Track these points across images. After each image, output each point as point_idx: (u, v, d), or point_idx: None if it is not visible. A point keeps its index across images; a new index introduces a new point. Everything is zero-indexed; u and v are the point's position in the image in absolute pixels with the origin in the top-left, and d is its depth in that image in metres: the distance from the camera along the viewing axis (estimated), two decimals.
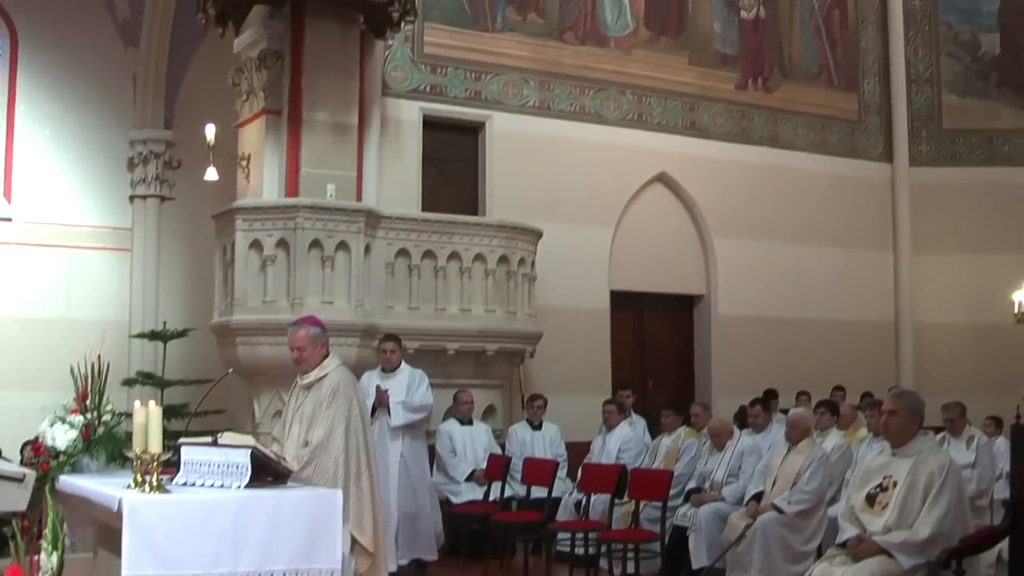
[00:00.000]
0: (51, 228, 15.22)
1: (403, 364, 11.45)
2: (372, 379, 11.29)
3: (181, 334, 13.85)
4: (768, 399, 12.88)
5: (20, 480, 5.91)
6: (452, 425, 12.88)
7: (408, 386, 11.15)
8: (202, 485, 6.07)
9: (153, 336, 13.98)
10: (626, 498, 10.84)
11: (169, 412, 11.11)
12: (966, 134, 18.96)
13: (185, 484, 6.12)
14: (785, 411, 11.66)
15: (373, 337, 12.56)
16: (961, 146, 18.96)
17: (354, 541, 6.98)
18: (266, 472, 6.10)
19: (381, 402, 10.98)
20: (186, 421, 11.12)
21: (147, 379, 13.59)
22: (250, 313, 12.23)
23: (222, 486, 6.00)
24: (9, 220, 15.10)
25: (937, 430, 11.02)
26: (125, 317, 15.32)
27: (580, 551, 10.78)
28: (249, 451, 5.93)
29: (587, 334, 15.79)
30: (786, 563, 10.00)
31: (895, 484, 7.00)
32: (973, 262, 18.47)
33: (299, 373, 7.33)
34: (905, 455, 7.07)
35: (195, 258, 15.25)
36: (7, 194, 15.21)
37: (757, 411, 11.97)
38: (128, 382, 13.59)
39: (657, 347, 16.98)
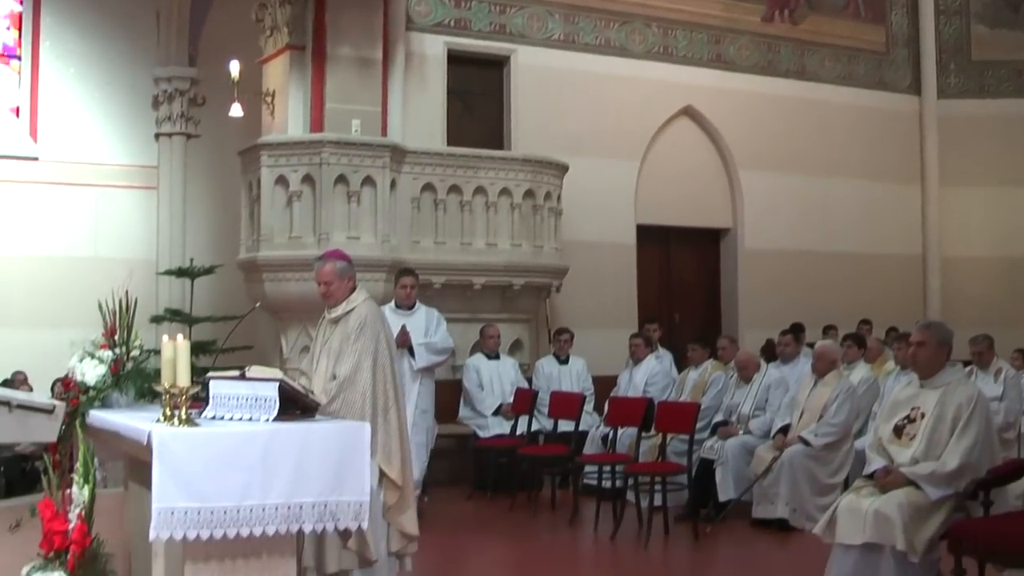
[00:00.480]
0: (77, 167, 15.22)
1: (417, 303, 11.12)
2: (388, 316, 10.81)
3: (208, 271, 13.87)
4: (797, 331, 12.83)
5: (50, 412, 5.94)
6: (479, 360, 12.91)
7: (426, 326, 11.01)
8: (231, 419, 6.07)
9: (180, 273, 14.01)
10: (653, 431, 10.85)
11: (197, 348, 11.16)
12: (995, 66, 18.70)
13: (214, 418, 6.12)
14: (812, 345, 11.63)
15: None
16: (990, 78, 18.71)
17: (382, 474, 6.99)
18: (294, 405, 6.09)
19: (403, 342, 10.52)
20: (213, 357, 11.17)
21: (175, 316, 13.62)
22: (276, 249, 12.25)
23: (251, 419, 6.00)
24: (36, 160, 15.10)
25: (965, 363, 10.97)
26: (152, 255, 15.35)
27: (607, 484, 10.81)
28: (277, 384, 5.92)
29: (613, 268, 15.76)
30: (813, 495, 10.02)
31: (923, 415, 6.97)
32: (1001, 195, 18.30)
33: (327, 307, 7.32)
34: (933, 386, 7.04)
35: (221, 195, 15.24)
36: (33, 134, 15.21)
37: (788, 339, 11.93)
38: (156, 319, 13.63)
39: (683, 281, 16.95)
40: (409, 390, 10.51)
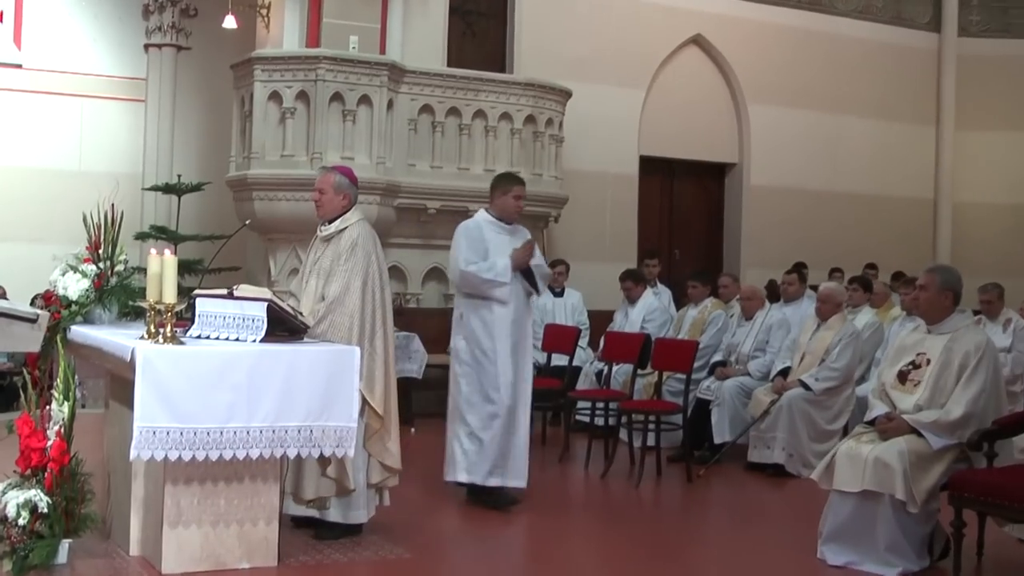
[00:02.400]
0: (63, 77, 15.09)
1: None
2: (484, 229, 8.59)
3: (196, 188, 13.80)
4: (801, 271, 12.81)
5: (34, 321, 5.92)
6: None
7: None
8: (217, 338, 6.08)
9: (167, 189, 13.94)
10: (649, 369, 10.86)
11: (183, 268, 11.14)
12: (1018, 4, 18.55)
13: (200, 337, 6.13)
14: (816, 287, 11.62)
15: (394, 195, 12.55)
16: (1013, 17, 18.57)
17: (364, 402, 6.99)
18: (282, 327, 6.10)
19: (524, 262, 8.45)
20: (200, 277, 11.14)
21: (160, 233, 13.58)
22: (268, 167, 12.21)
23: (237, 340, 6.01)
24: (19, 67, 14.98)
25: (975, 313, 10.98)
26: (138, 170, 15.26)
27: (600, 422, 10.84)
28: (265, 304, 5.93)
29: (614, 200, 15.73)
30: (811, 441, 10.05)
31: (928, 362, 6.96)
32: (1019, 140, 18.24)
33: (319, 224, 7.30)
34: (940, 332, 7.02)
35: (212, 110, 15.14)
36: (17, 40, 15.06)
37: (792, 278, 11.91)
38: (141, 236, 13.59)
39: (685, 216, 16.93)
40: (525, 329, 8.59)
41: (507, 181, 8.74)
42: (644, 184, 16.06)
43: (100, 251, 7.07)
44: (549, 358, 11.88)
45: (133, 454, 5.55)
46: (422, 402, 12.63)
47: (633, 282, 12.48)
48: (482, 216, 8.63)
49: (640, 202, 15.99)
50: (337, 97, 12.23)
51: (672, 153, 16.46)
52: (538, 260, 8.55)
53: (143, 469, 6.16)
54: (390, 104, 12.58)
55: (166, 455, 5.59)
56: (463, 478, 8.46)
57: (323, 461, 6.62)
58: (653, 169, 16.26)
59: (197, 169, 14.91)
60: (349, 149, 12.26)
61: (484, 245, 8.44)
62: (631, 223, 15.89)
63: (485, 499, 8.43)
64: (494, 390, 8.40)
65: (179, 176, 14.14)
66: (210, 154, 14.93)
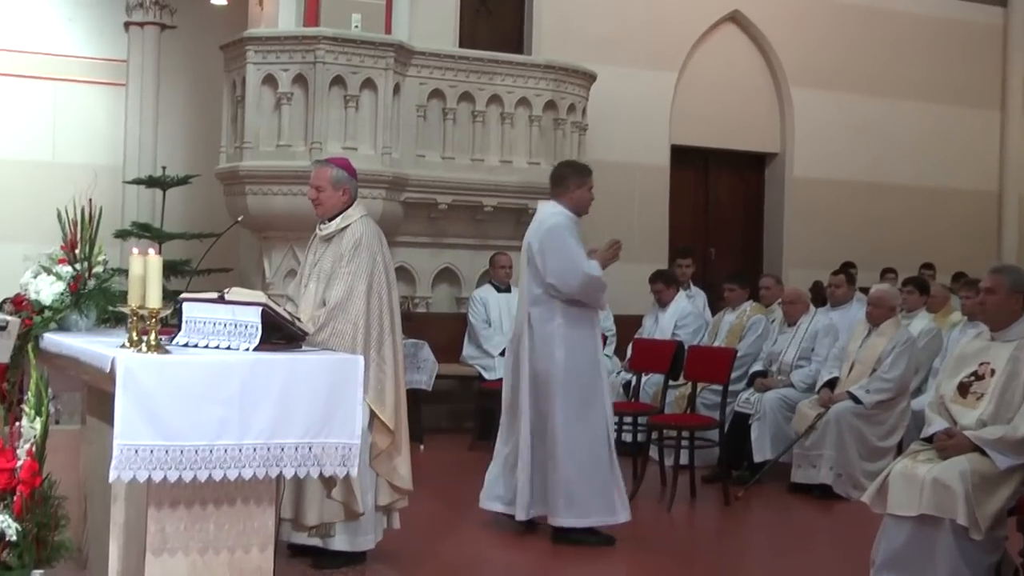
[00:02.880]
0: (34, 58, 15.13)
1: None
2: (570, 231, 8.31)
3: (182, 181, 13.83)
4: (849, 271, 12.77)
5: (3, 328, 5.92)
6: (487, 292, 12.92)
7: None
8: (206, 346, 6.06)
9: (151, 183, 13.97)
10: (682, 379, 10.85)
11: (168, 269, 11.15)
12: None
13: (187, 345, 6.11)
14: (866, 289, 11.58)
15: (401, 189, 12.56)
16: None
17: (372, 416, 6.99)
18: (278, 334, 6.07)
19: (604, 267, 8.30)
20: (187, 280, 11.16)
21: (143, 231, 13.61)
22: (262, 158, 12.24)
23: (228, 348, 5.99)
24: None
25: None
26: (119, 161, 15.29)
27: (627, 438, 10.81)
28: (260, 309, 5.91)
29: (643, 194, 15.71)
30: (861, 459, 10.02)
31: (993, 372, 6.90)
32: None
33: (318, 223, 7.30)
34: (1006, 340, 6.96)
35: (199, 95, 15.17)
36: None
37: (840, 280, 11.89)
38: (122, 234, 13.62)
39: (722, 211, 16.91)
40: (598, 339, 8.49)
41: (582, 172, 8.54)
42: (676, 176, 16.05)
43: (76, 251, 7.06)
44: None
45: (113, 475, 5.52)
46: (432, 416, 12.65)
47: (664, 284, 12.45)
48: (562, 211, 8.33)
49: (672, 196, 15.97)
50: (338, 81, 12.25)
51: (707, 142, 16.44)
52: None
53: (124, 491, 6.13)
54: (397, 89, 12.58)
55: (149, 475, 5.56)
56: (568, 521, 8.08)
57: (328, 483, 6.62)
58: (686, 160, 16.24)
59: (183, 160, 14.95)
60: (351, 138, 12.28)
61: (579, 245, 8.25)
62: (662, 219, 15.88)
63: (585, 539, 8.17)
64: (598, 413, 8.18)
65: (164, 168, 14.17)
66: (198, 144, 14.96)
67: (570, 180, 8.42)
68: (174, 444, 5.58)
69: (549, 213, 8.35)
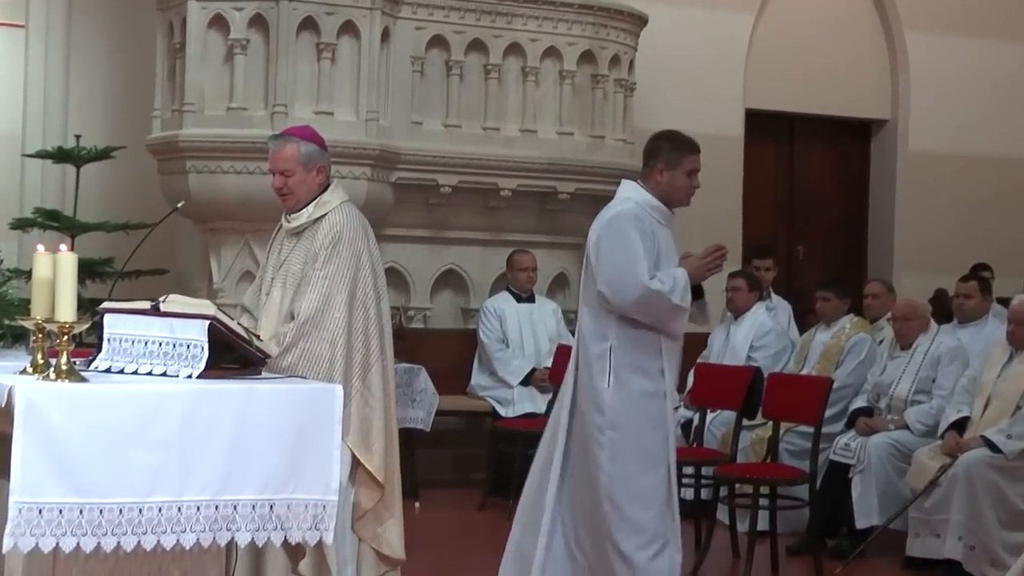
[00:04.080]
0: None
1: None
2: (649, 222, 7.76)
3: (102, 155, 13.78)
4: (982, 276, 12.68)
5: None
6: (504, 302, 12.94)
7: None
8: (135, 372, 6.05)
9: (60, 156, 13.92)
10: (759, 418, 10.81)
11: (85, 270, 11.13)
12: None
13: (109, 370, 6.10)
14: (1005, 301, 11.52)
15: (392, 166, 12.54)
16: None
17: (355, 464, 6.97)
18: (230, 356, 6.07)
19: (700, 279, 7.82)
20: (110, 285, 11.13)
21: (50, 221, 13.57)
22: (208, 125, 12.24)
23: (165, 374, 5.98)
24: None
25: None
26: (16, 128, 15.23)
27: (688, 494, 10.78)
28: (207, 324, 5.90)
29: (708, 174, 15.51)
30: (1001, 527, 9.93)
31: None
32: None
33: (284, 212, 7.28)
34: None
35: (126, 42, 15.13)
36: None
37: (970, 288, 11.80)
38: (21, 224, 13.58)
39: (813, 197, 16.90)
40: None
41: (679, 147, 7.95)
42: (752, 151, 16.05)
43: None
44: None
45: (7, 543, 5.49)
46: (432, 465, 12.64)
47: (748, 284, 12.39)
48: (640, 197, 7.82)
49: (746, 177, 15.96)
50: (309, 25, 12.24)
51: (793, 106, 16.43)
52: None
53: (22, 565, 6.12)
54: (385, 35, 12.57)
55: (57, 543, 5.54)
56: None
57: (295, 552, 6.58)
58: (765, 129, 16.22)
59: (104, 127, 14.90)
60: (326, 100, 12.27)
61: (656, 246, 7.67)
62: (733, 207, 15.86)
63: None
64: (658, 481, 7.62)
65: (77, 138, 14.12)
66: (123, 106, 14.93)
67: (660, 156, 7.89)
68: (91, 502, 5.57)
69: (621, 198, 7.89)
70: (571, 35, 13.53)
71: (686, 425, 11.72)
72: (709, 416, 11.34)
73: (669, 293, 7.48)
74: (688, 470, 10.82)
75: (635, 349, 7.63)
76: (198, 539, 5.73)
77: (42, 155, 14.19)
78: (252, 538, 5.84)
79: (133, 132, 13.79)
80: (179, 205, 9.21)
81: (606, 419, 7.62)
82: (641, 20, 14.06)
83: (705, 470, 10.71)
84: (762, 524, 10.06)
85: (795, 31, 16.31)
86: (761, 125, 16.16)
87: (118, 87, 15.22)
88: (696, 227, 15.37)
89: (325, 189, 7.25)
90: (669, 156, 7.88)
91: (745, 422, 10.86)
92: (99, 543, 5.58)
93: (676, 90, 15.32)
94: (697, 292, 7.70)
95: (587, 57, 13.60)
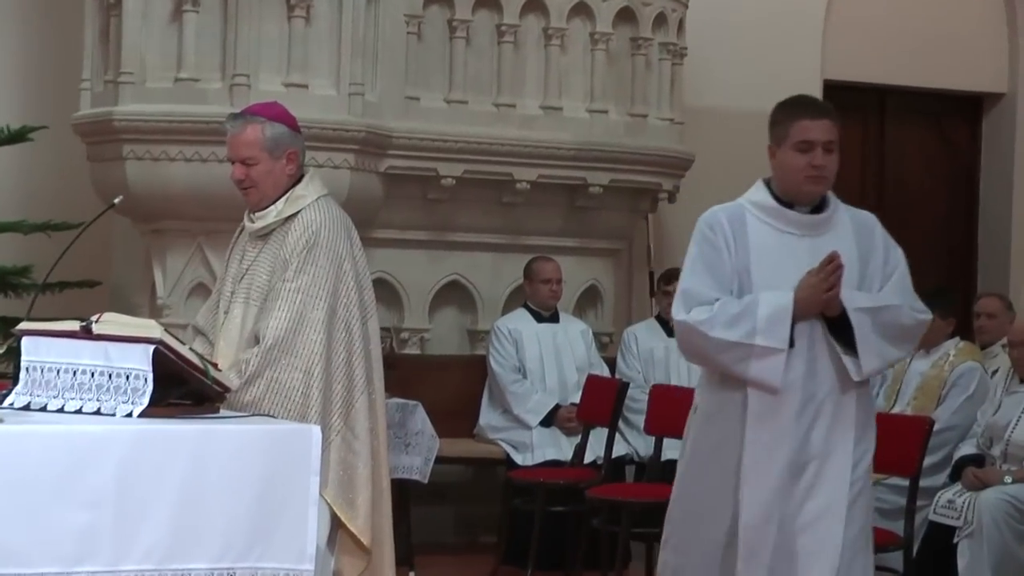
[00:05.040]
0: None
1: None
2: (755, 225, 7.29)
3: (16, 136, 13.84)
4: None
5: None
6: (521, 322, 12.97)
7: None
8: (60, 410, 6.07)
9: None
10: None
11: None
12: None
13: (28, 408, 6.13)
14: None
15: (381, 151, 12.55)
16: None
17: (335, 523, 6.99)
18: (180, 389, 6.09)
19: (812, 306, 7.08)
20: (29, 301, 11.17)
21: None
22: (151, 100, 12.24)
23: (98, 412, 6.00)
24: None
25: None
26: None
27: None
28: (151, 349, 5.91)
29: None
30: None
31: None
32: None
33: (247, 210, 7.29)
34: None
35: None
36: None
37: None
38: None
39: (908, 188, 16.93)
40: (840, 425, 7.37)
41: (785, 113, 7.43)
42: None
43: None
44: (659, 446, 11.86)
45: None
46: (431, 524, 12.64)
47: None
48: (754, 194, 7.40)
49: None
50: None
51: (883, 77, 16.44)
52: (861, 300, 7.09)
53: None
54: None
55: None
56: None
57: None
58: (849, 105, 16.22)
59: (18, 103, 14.97)
60: (299, 69, 12.26)
61: (743, 260, 7.15)
62: None
63: None
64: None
65: None
66: (43, 77, 14.99)
67: (770, 133, 7.50)
68: (5, 573, 5.58)
69: (731, 204, 7.47)
70: None
71: None
72: None
73: (720, 326, 6.97)
74: None
75: (714, 396, 7.37)
76: None
77: None
78: None
79: (55, 109, 13.83)
80: (116, 201, 9.23)
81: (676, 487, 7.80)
82: None
83: None
84: None
85: None
86: (844, 100, 16.12)
87: (36, 52, 15.29)
88: None
89: (298, 181, 7.27)
90: (775, 130, 7.45)
91: None
92: None
93: (736, 57, 15.37)
94: (843, 327, 7.02)
95: (625, 16, 13.61)
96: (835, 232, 7.22)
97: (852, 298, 7.01)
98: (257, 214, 7.25)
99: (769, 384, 6.97)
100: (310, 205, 7.20)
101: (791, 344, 6.94)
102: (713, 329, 6.96)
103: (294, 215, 7.17)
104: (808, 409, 7.08)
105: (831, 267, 6.92)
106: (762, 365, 6.95)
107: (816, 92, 15.85)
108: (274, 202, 7.20)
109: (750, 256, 7.13)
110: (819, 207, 7.27)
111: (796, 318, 6.94)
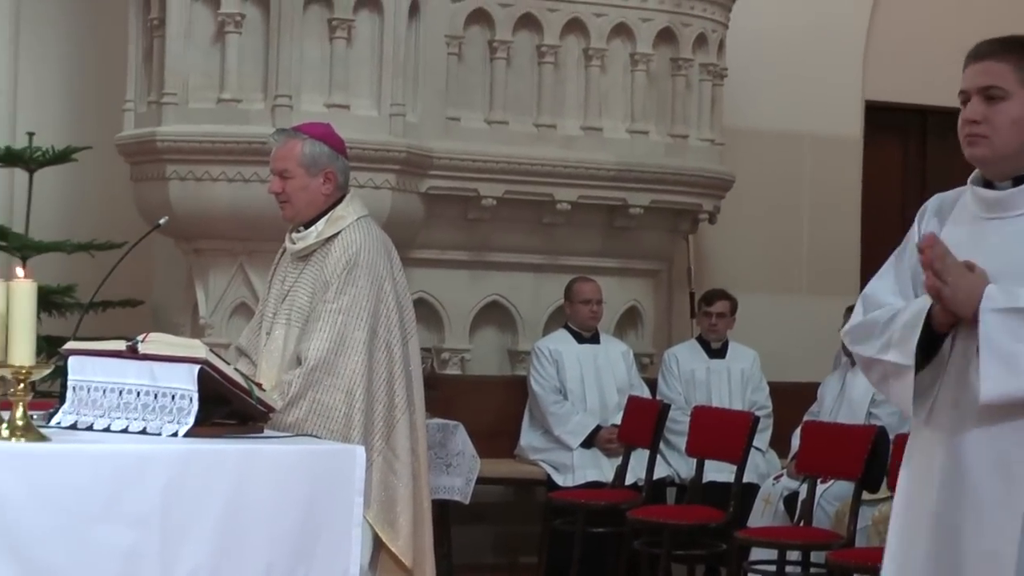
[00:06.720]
0: None
1: None
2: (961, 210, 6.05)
3: (60, 157, 13.85)
4: None
5: None
6: (561, 342, 12.95)
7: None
8: (106, 429, 6.10)
9: (8, 159, 14.01)
10: (884, 491, 10.79)
11: (40, 300, 11.17)
12: None
13: (75, 427, 6.15)
14: None
15: (421, 172, 12.57)
16: None
17: (378, 544, 7.01)
18: (224, 409, 6.11)
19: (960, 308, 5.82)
20: (69, 319, 11.18)
21: None
22: (193, 121, 12.26)
23: (144, 432, 6.02)
24: None
25: None
26: None
27: None
28: (197, 369, 5.94)
29: (818, 183, 15.69)
30: None
31: None
32: None
33: (289, 231, 7.31)
34: None
35: (89, 18, 15.24)
36: None
37: None
38: None
39: None
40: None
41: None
42: (875, 153, 16.04)
43: None
44: (700, 468, 11.86)
45: None
46: (470, 546, 12.64)
47: None
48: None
49: (866, 186, 15.94)
50: None
51: (924, 97, 16.38)
52: (1008, 299, 5.34)
53: None
54: (414, 9, 12.60)
55: None
56: None
57: None
58: (891, 126, 16.21)
59: (63, 123, 15.00)
60: (340, 89, 12.27)
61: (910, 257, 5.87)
62: (850, 224, 15.84)
63: None
64: None
65: (30, 136, 14.22)
66: (87, 97, 15.03)
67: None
68: None
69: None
70: (646, 9, 13.52)
71: (790, 499, 11.72)
72: (819, 488, 11.31)
73: (852, 336, 5.83)
74: (793, 555, 10.85)
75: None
76: None
77: None
78: None
79: (99, 129, 13.85)
80: (161, 222, 9.29)
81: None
82: None
83: (815, 555, 10.70)
84: None
85: (929, 3, 16.32)
86: (885, 121, 16.15)
87: (80, 73, 15.33)
88: (803, 251, 15.44)
89: (338, 201, 7.29)
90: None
91: (865, 495, 10.82)
92: None
93: (776, 78, 15.34)
94: (927, 339, 5.49)
95: (666, 36, 13.60)
96: (998, 216, 5.60)
97: (997, 296, 5.32)
98: (297, 235, 7.27)
99: (903, 406, 5.63)
100: (350, 226, 7.22)
101: (927, 359, 5.48)
102: (855, 342, 5.76)
103: (334, 236, 7.19)
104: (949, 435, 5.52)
105: (925, 256, 5.33)
106: (896, 388, 5.60)
107: (857, 113, 15.89)
108: (314, 223, 7.23)
109: (964, 238, 5.59)
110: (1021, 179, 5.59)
111: (941, 325, 5.44)
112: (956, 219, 5.74)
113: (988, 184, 5.64)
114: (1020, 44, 5.68)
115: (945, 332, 5.41)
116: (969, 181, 5.76)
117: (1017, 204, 5.55)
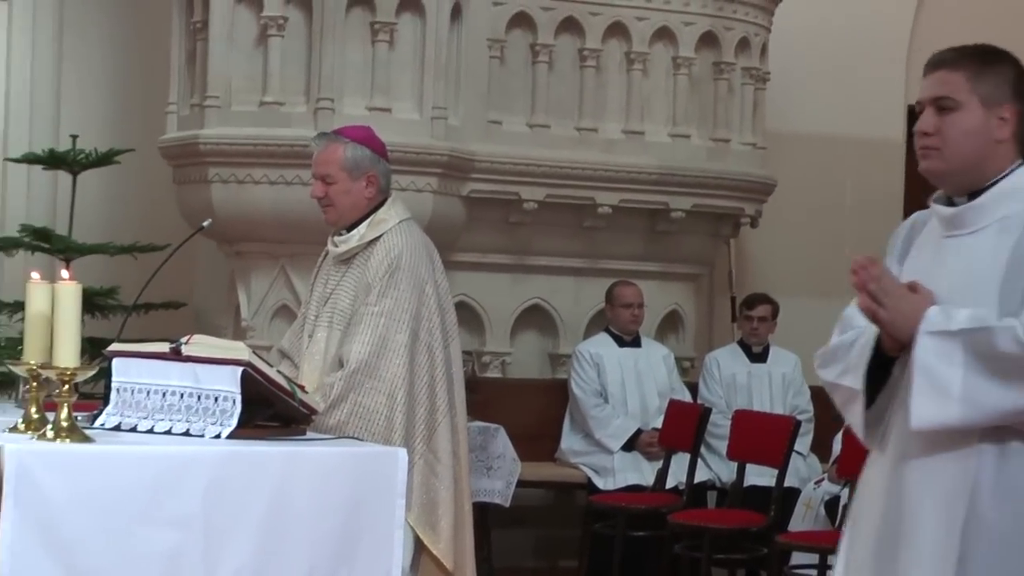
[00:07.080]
0: None
1: None
2: None
3: (103, 159, 13.86)
4: None
5: None
6: (602, 346, 12.95)
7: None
8: (150, 431, 6.11)
9: (52, 161, 14.02)
10: None
11: (83, 302, 11.19)
12: None
13: (119, 428, 6.17)
14: None
15: (463, 175, 12.56)
16: None
17: (419, 546, 7.01)
18: (267, 411, 6.12)
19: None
20: (112, 321, 11.19)
21: (39, 241, 13.67)
22: (236, 124, 12.27)
23: (187, 434, 6.04)
24: None
25: None
26: None
27: None
28: (240, 371, 5.95)
29: (861, 188, 15.67)
30: None
31: None
32: None
33: (331, 234, 7.32)
34: None
35: (131, 21, 15.26)
36: None
37: None
38: (3, 244, 13.67)
39: None
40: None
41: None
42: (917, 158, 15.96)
43: None
44: (741, 473, 11.86)
45: None
46: (510, 549, 12.63)
47: None
48: None
49: (909, 192, 15.89)
50: (361, 1, 12.29)
51: None
52: (946, 321, 5.29)
53: None
54: (456, 13, 12.60)
55: None
56: None
57: None
58: None
59: (106, 126, 15.01)
60: (382, 93, 12.28)
61: (896, 273, 5.59)
62: (892, 229, 15.61)
63: None
64: None
65: (73, 138, 14.23)
66: (130, 99, 15.05)
67: None
68: None
69: None
70: (688, 12, 13.51)
71: (831, 503, 11.70)
72: None
73: (819, 360, 5.58)
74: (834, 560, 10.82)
75: None
76: None
77: (29, 159, 14.28)
78: None
79: (142, 132, 13.87)
80: (205, 224, 9.30)
81: None
82: None
83: None
84: None
85: (972, 3, 16.27)
86: None
87: (123, 76, 15.36)
88: (843, 252, 15.39)
89: (380, 205, 7.30)
90: None
91: None
92: None
93: (819, 82, 15.31)
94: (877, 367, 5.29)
95: (708, 40, 13.60)
96: (998, 225, 5.31)
97: (935, 319, 5.09)
98: (340, 238, 7.27)
99: (858, 432, 5.37)
100: (392, 229, 7.22)
101: (880, 383, 5.28)
102: (821, 366, 5.53)
103: (376, 239, 7.19)
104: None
105: (858, 277, 5.22)
106: (850, 413, 5.37)
107: (900, 118, 15.84)
108: (356, 226, 7.23)
109: (903, 267, 5.58)
110: (977, 193, 5.40)
111: (890, 349, 5.23)
112: (924, 239, 5.60)
113: (951, 201, 5.44)
114: (975, 53, 5.68)
115: (896, 356, 5.21)
116: (931, 198, 5.56)
117: (971, 220, 5.39)
